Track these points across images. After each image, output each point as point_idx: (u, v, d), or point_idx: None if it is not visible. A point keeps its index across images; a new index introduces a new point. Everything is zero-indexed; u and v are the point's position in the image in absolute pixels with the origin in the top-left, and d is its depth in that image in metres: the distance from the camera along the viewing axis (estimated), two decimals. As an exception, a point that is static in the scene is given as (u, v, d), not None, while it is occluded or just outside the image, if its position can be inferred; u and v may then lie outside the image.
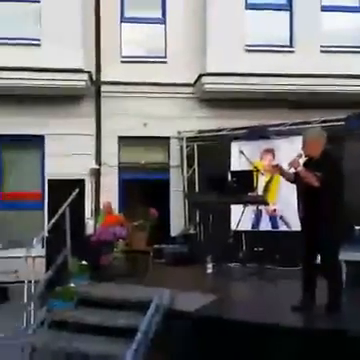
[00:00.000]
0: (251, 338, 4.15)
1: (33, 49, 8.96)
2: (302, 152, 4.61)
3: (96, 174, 9.53)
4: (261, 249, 7.33)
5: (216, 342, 4.36)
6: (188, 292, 5.28)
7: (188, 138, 9.32)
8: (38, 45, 8.99)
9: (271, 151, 8.30)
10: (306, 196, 4.50)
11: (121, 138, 9.74)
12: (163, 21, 9.97)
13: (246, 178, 6.70)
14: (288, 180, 4.81)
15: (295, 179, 4.66)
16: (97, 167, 9.48)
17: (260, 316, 4.45)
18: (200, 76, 9.36)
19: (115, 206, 9.09)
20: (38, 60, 8.73)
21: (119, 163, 9.78)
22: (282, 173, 4.78)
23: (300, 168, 4.48)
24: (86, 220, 9.14)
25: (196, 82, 9.55)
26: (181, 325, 4.66)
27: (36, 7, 9.09)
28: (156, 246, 7.58)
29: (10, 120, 9.20)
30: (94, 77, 9.53)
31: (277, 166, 4.85)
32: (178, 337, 4.69)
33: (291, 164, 4.52)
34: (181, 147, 9.48)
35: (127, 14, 9.97)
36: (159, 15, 10.02)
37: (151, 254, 7.32)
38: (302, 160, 4.63)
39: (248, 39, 9.43)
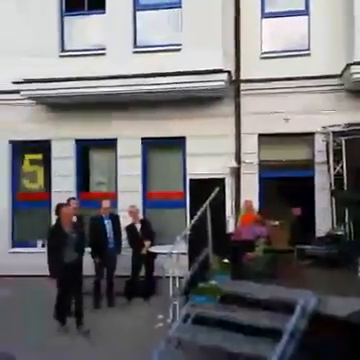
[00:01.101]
0: None
1: (174, 54, 9.26)
2: None
3: (236, 173, 9.48)
4: None
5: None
6: (338, 296, 4.86)
7: (335, 132, 8.68)
8: (179, 50, 9.26)
9: None
10: None
11: (261, 136, 9.54)
12: (306, 12, 9.53)
13: None
14: None
15: None
16: (237, 166, 9.42)
17: None
18: (348, 66, 8.70)
19: (255, 205, 8.95)
20: (179, 64, 8.97)
21: (259, 161, 9.58)
22: None
23: None
24: (227, 218, 9.13)
25: (343, 72, 8.92)
26: (330, 329, 4.33)
27: (177, 12, 9.41)
28: (299, 246, 7.20)
29: (153, 123, 9.67)
30: (233, 76, 9.50)
31: None
32: (327, 342, 4.37)
33: None
34: (327, 142, 8.88)
35: (268, 9, 9.75)
36: (302, 7, 9.59)
37: (294, 254, 6.98)
38: None
39: None
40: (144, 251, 8.19)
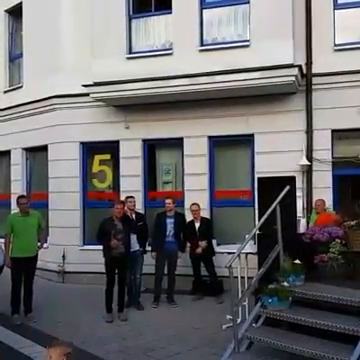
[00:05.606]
0: None
1: (242, 50, 9.04)
2: None
3: (307, 170, 9.10)
4: None
5: None
6: None
7: None
8: (247, 46, 9.05)
9: None
10: None
11: (335, 131, 9.09)
12: (384, -1, 8.97)
13: None
14: None
15: None
16: (308, 163, 9.03)
17: None
18: None
19: (329, 204, 8.52)
20: (247, 60, 8.76)
21: (333, 158, 9.12)
22: None
23: None
24: (298, 218, 8.76)
25: None
26: None
27: (244, 7, 9.21)
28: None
29: (220, 121, 9.53)
30: (305, 70, 9.13)
31: None
32: None
33: None
34: None
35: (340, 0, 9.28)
36: (379, -6, 9.04)
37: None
38: None
39: None
40: (198, 250, 8.23)
